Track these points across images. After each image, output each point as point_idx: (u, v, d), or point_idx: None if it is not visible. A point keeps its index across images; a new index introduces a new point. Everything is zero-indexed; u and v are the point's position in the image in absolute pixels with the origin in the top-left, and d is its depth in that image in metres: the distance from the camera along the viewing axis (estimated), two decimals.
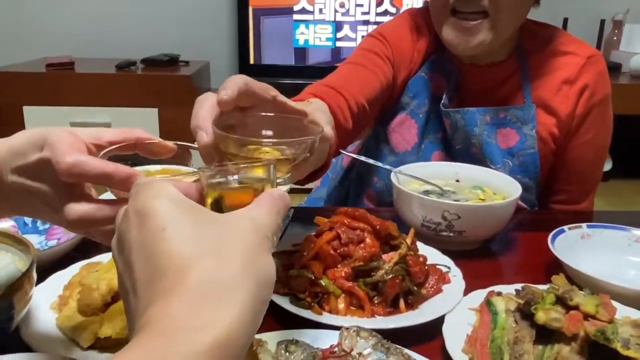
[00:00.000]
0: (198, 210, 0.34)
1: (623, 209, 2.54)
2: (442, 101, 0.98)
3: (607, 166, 2.82)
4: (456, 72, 1.01)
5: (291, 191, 0.73)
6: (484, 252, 0.80)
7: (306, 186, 0.83)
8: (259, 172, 0.43)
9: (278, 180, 0.48)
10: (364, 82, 0.95)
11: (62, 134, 0.45)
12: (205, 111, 0.47)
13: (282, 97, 0.52)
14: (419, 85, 1.02)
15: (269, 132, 0.51)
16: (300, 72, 2.69)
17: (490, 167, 0.96)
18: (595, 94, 0.97)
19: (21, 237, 0.60)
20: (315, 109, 0.56)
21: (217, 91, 0.48)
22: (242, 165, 0.43)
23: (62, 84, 2.40)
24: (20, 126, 2.41)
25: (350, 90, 0.90)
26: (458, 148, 1.01)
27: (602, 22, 2.89)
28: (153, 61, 2.60)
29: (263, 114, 0.51)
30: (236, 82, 0.48)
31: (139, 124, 2.42)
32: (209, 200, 0.41)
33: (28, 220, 0.80)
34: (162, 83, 2.43)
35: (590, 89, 0.96)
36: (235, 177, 0.42)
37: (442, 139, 1.03)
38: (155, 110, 2.42)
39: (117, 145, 0.49)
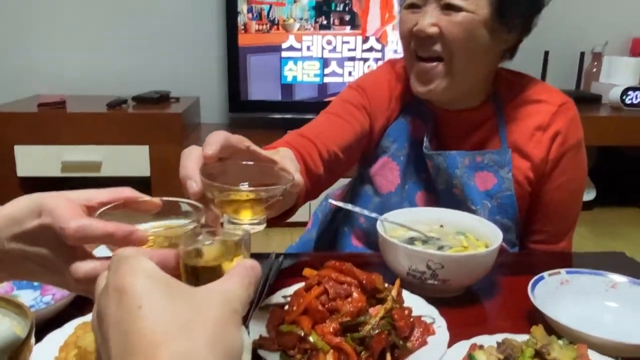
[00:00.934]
0: (172, 286, 0.36)
1: (606, 237, 2.59)
2: (424, 144, 1.02)
3: (591, 195, 2.88)
4: (432, 116, 1.05)
5: (284, 225, 0.83)
6: (467, 299, 0.83)
7: (299, 222, 0.93)
8: (234, 244, 0.47)
9: (254, 221, 0.57)
10: (337, 131, 1.01)
11: (58, 200, 0.48)
12: (192, 162, 0.55)
13: (254, 147, 0.61)
14: (399, 130, 1.07)
15: (246, 179, 0.59)
16: (289, 107, 2.75)
17: (471, 208, 0.99)
18: (567, 139, 1.01)
19: (18, 301, 0.61)
20: (283, 157, 0.65)
21: (203, 146, 0.57)
22: (217, 237, 0.48)
23: (54, 123, 2.42)
24: (11, 165, 2.42)
25: (322, 139, 0.97)
26: (441, 189, 1.05)
27: (582, 54, 2.98)
28: (144, 99, 2.63)
29: (240, 162, 0.60)
30: (218, 139, 0.57)
31: (130, 161, 2.45)
32: (186, 269, 0.45)
33: None
34: (153, 121, 2.46)
35: (562, 135, 1.01)
36: (210, 247, 0.47)
37: (426, 179, 1.07)
38: (146, 147, 2.44)
39: (109, 206, 0.52)
